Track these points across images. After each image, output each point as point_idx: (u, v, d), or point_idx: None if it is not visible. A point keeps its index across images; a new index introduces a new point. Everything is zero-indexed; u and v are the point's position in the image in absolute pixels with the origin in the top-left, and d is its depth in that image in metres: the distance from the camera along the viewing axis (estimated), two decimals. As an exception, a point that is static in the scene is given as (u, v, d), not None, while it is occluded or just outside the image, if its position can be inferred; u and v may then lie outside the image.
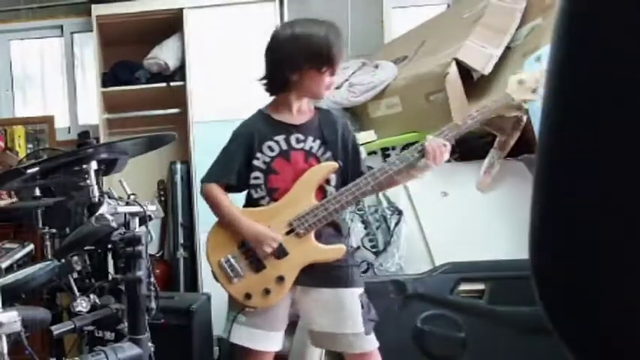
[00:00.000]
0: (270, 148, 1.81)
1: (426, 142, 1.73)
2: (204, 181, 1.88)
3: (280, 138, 1.80)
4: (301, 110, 1.84)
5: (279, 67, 1.77)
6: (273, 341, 1.83)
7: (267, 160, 1.81)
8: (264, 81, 1.84)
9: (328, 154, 1.81)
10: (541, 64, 1.93)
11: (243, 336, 1.81)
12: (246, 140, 1.83)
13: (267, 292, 1.76)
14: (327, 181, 1.81)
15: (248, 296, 1.78)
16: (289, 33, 1.76)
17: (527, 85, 1.79)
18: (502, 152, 2.40)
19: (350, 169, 1.83)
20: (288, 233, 1.77)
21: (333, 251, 1.77)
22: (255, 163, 1.81)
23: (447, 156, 1.74)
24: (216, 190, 1.83)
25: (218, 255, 1.82)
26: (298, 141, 1.81)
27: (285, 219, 1.77)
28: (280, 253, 1.76)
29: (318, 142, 1.81)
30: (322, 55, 1.71)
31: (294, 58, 1.74)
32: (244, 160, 1.82)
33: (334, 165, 1.79)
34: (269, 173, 1.81)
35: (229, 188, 1.86)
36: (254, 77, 1.87)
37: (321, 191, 1.81)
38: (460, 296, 2.19)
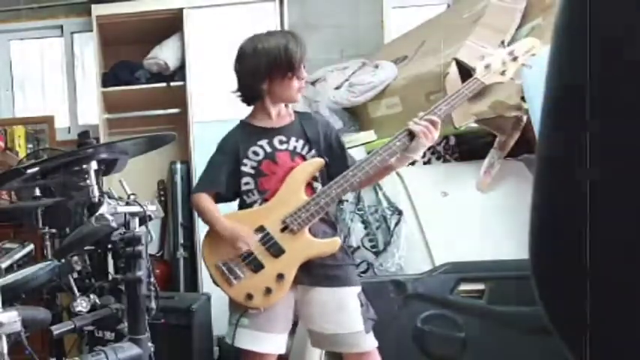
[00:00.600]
0: (256, 153, 1.86)
1: (411, 125, 1.75)
2: (193, 192, 1.96)
3: (264, 142, 1.86)
4: (280, 114, 1.90)
5: (247, 79, 1.86)
6: (277, 343, 1.84)
7: (255, 164, 1.85)
8: (239, 93, 1.92)
9: (313, 151, 1.86)
10: (505, 49, 1.95)
11: (248, 339, 1.82)
12: (231, 149, 1.89)
13: (268, 291, 1.77)
14: (315, 178, 1.85)
15: (250, 297, 1.78)
16: (251, 47, 1.84)
17: (494, 68, 1.82)
18: (502, 152, 2.40)
19: (336, 165, 1.85)
20: (282, 231, 1.79)
21: (328, 244, 1.80)
22: (244, 169, 1.86)
23: (437, 132, 1.76)
24: (203, 199, 1.88)
25: (215, 258, 1.83)
26: (281, 142, 1.86)
27: (278, 217, 1.79)
28: (277, 251, 1.78)
29: (301, 141, 1.86)
30: (282, 63, 1.79)
31: (258, 70, 1.82)
32: (231, 169, 1.87)
33: (321, 161, 1.83)
34: (258, 176, 1.85)
35: (220, 198, 1.91)
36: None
37: (310, 188, 1.84)
38: (460, 296, 2.19)
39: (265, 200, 1.83)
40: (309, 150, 1.86)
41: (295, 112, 1.95)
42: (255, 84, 1.84)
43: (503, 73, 1.82)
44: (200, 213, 1.91)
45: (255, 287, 1.78)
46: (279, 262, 1.78)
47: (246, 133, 1.90)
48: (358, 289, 1.83)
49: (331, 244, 1.79)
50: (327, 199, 1.77)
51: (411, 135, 1.75)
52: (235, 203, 1.94)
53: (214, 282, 1.85)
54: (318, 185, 1.84)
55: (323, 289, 1.81)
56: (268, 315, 1.81)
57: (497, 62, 1.82)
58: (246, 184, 1.86)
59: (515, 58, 1.81)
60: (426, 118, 1.75)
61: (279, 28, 3.11)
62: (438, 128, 1.76)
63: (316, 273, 1.80)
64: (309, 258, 1.78)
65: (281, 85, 1.82)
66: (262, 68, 1.81)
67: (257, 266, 1.79)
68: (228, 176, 1.87)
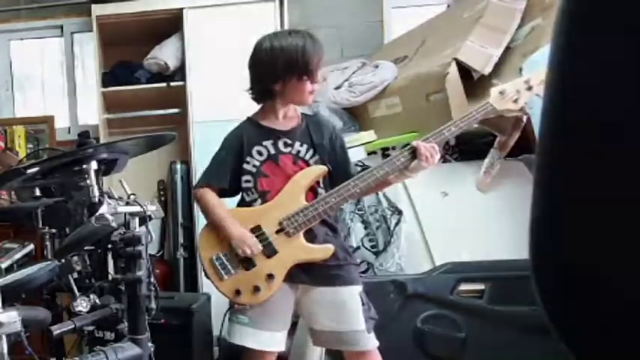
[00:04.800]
0: (259, 153, 1.86)
1: (414, 144, 1.77)
2: (195, 186, 1.95)
3: (268, 143, 1.86)
4: (288, 116, 1.90)
5: (261, 79, 1.85)
6: (276, 341, 1.84)
7: (257, 164, 1.86)
8: (250, 91, 1.90)
9: (316, 157, 1.86)
10: (523, 75, 1.98)
11: (246, 336, 1.83)
12: (236, 146, 1.89)
13: (256, 289, 1.79)
14: (318, 183, 1.86)
15: (237, 293, 1.81)
16: (268, 46, 1.81)
17: (509, 96, 1.84)
18: (502, 152, 2.40)
19: (338, 172, 1.87)
20: (278, 232, 1.80)
21: (320, 251, 1.81)
22: (246, 167, 1.87)
23: (437, 157, 1.78)
24: (206, 193, 1.88)
25: (210, 252, 1.85)
26: (286, 145, 1.86)
27: (275, 218, 1.80)
28: (270, 251, 1.80)
29: (305, 146, 1.86)
30: (299, 64, 1.77)
31: (273, 70, 1.80)
32: (234, 165, 1.88)
33: (323, 168, 1.84)
34: (259, 176, 1.86)
35: (223, 193, 1.91)
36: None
37: (312, 192, 1.85)
38: (460, 296, 2.19)
39: (266, 201, 1.84)
40: (313, 155, 1.86)
41: (303, 114, 1.95)
42: (268, 84, 1.83)
43: (515, 100, 1.84)
44: (202, 208, 1.90)
45: (245, 284, 1.80)
46: (270, 263, 1.80)
47: (252, 131, 1.90)
48: (359, 288, 1.84)
49: (324, 251, 1.80)
50: (326, 206, 1.78)
51: (414, 155, 1.77)
52: (234, 199, 1.94)
53: (206, 275, 1.88)
54: (321, 191, 1.85)
55: (325, 288, 1.82)
56: (267, 313, 1.82)
57: (512, 90, 1.84)
58: (247, 181, 1.87)
59: (529, 88, 1.83)
60: (429, 142, 1.77)
61: (279, 29, 3.11)
62: (439, 154, 1.79)
63: (318, 272, 1.81)
64: (300, 262, 1.80)
65: (294, 87, 1.81)
66: (277, 68, 1.79)
67: (249, 264, 1.81)
68: (231, 172, 1.88)
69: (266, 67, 1.81)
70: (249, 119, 1.94)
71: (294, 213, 1.79)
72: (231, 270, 1.82)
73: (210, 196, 1.87)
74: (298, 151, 1.85)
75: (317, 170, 1.84)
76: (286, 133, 1.87)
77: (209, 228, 1.89)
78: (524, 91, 1.84)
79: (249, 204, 1.87)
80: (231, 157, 1.89)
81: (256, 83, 1.87)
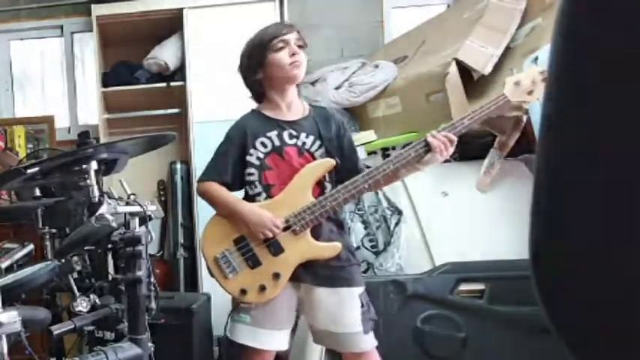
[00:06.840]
0: (263, 144, 1.83)
1: (429, 138, 1.73)
2: (199, 180, 1.92)
3: (273, 134, 1.83)
4: (293, 107, 1.87)
5: (247, 77, 1.89)
6: (277, 340, 1.83)
7: (261, 156, 1.83)
8: (250, 94, 1.94)
9: (322, 150, 1.83)
10: (538, 66, 1.94)
11: (247, 335, 1.82)
12: (239, 138, 1.86)
13: (262, 288, 1.77)
14: (324, 178, 1.82)
15: (243, 292, 1.78)
16: (243, 48, 1.91)
17: (524, 87, 1.78)
18: (502, 152, 2.40)
19: (345, 167, 1.84)
20: (284, 230, 1.77)
21: (328, 249, 1.78)
22: (249, 159, 1.84)
23: (452, 149, 1.75)
24: (212, 185, 1.85)
25: (214, 250, 1.82)
26: (291, 137, 1.83)
27: (281, 215, 1.77)
28: (276, 249, 1.77)
29: (311, 138, 1.83)
30: (264, 41, 1.82)
31: (250, 63, 1.86)
32: (238, 158, 1.85)
33: (331, 162, 1.80)
34: (263, 169, 1.83)
35: (225, 187, 1.88)
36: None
37: (319, 187, 1.82)
38: (460, 296, 2.19)
39: (270, 196, 1.81)
40: (319, 147, 1.83)
41: (311, 105, 1.93)
42: (253, 77, 1.85)
43: (530, 92, 1.78)
44: (210, 199, 1.87)
45: (250, 283, 1.78)
46: (276, 261, 1.77)
47: (256, 121, 1.87)
48: (361, 289, 1.82)
49: (331, 249, 1.78)
50: (334, 203, 1.74)
51: (428, 148, 1.74)
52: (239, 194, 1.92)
53: (210, 274, 1.85)
54: (328, 185, 1.82)
55: (326, 289, 1.80)
56: (269, 312, 1.81)
57: (527, 81, 1.78)
58: (250, 174, 1.84)
59: (545, 79, 1.80)
60: (444, 134, 1.73)
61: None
62: (454, 146, 1.75)
63: (320, 273, 1.79)
64: (307, 260, 1.78)
65: (272, 65, 1.81)
66: (251, 58, 1.84)
67: (254, 262, 1.78)
68: (234, 165, 1.85)
69: (245, 65, 1.88)
70: (253, 110, 1.93)
71: (301, 210, 1.75)
72: (236, 268, 1.79)
73: (215, 187, 1.84)
74: (304, 143, 1.82)
75: (325, 164, 1.80)
76: (292, 124, 1.84)
77: (213, 225, 1.86)
78: (540, 83, 1.76)
79: (253, 198, 1.84)
80: (233, 150, 1.85)
81: (247, 84, 1.91)
